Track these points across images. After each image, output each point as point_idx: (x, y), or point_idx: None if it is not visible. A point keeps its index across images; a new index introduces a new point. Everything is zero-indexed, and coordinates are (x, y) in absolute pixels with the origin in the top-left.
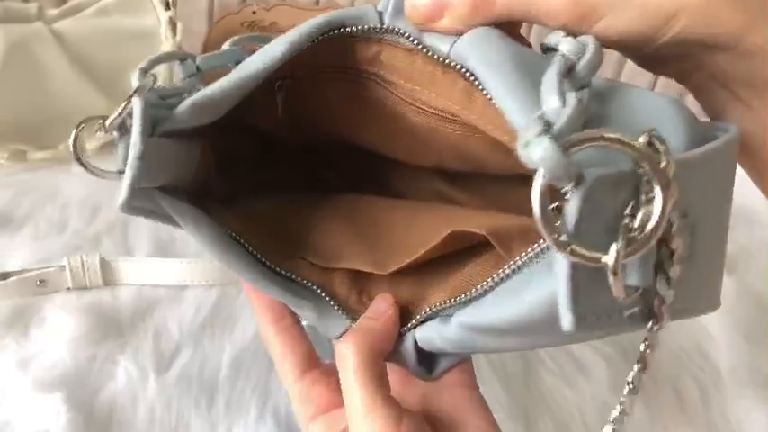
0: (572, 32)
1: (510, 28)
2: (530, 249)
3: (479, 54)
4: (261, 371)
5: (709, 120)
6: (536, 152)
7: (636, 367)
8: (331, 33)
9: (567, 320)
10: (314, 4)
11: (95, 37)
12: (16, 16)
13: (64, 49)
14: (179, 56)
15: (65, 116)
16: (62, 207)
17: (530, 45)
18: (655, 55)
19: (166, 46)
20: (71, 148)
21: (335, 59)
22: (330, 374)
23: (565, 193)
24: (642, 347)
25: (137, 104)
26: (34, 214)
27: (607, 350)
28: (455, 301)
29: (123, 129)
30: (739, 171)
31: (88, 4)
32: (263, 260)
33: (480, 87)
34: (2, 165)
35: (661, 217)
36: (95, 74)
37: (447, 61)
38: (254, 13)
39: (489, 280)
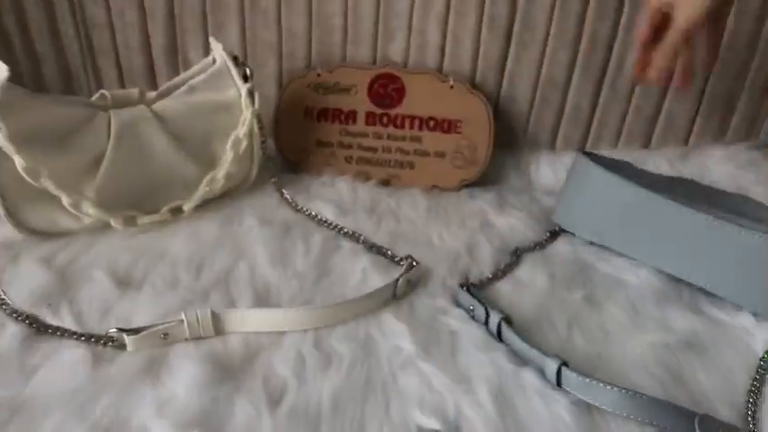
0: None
1: None
2: None
3: None
4: (356, 405)
5: None
6: None
7: None
8: None
9: None
10: (371, 63)
11: (187, 113)
12: (123, 101)
13: (162, 126)
14: None
15: (165, 184)
16: (172, 266)
17: None
18: None
19: (246, 114)
20: None
21: None
22: None
23: None
24: None
25: None
26: (150, 274)
27: (660, 374)
28: None
29: None
30: None
31: (179, 85)
32: None
33: None
34: (117, 230)
35: None
36: (188, 144)
37: None
38: (318, 75)
39: None
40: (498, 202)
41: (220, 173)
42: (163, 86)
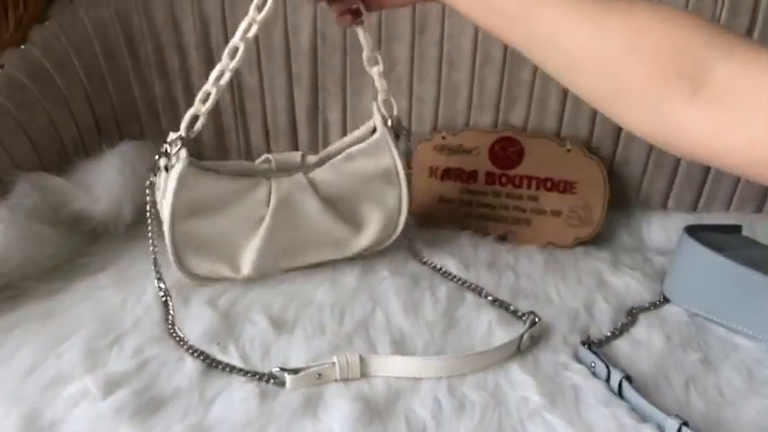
0: None
1: None
2: None
3: None
4: None
5: None
6: None
7: None
8: None
9: None
10: (493, 126)
11: (341, 180)
12: (286, 165)
13: (316, 194)
14: None
15: (315, 243)
16: (318, 311)
17: None
18: None
19: (403, 184)
20: None
21: None
22: None
23: None
24: None
25: None
26: (300, 318)
27: None
28: None
29: None
30: None
31: (338, 151)
32: None
33: None
34: (267, 276)
35: None
36: (339, 208)
37: None
38: (443, 138)
39: None
40: (612, 262)
41: (368, 237)
42: (323, 152)
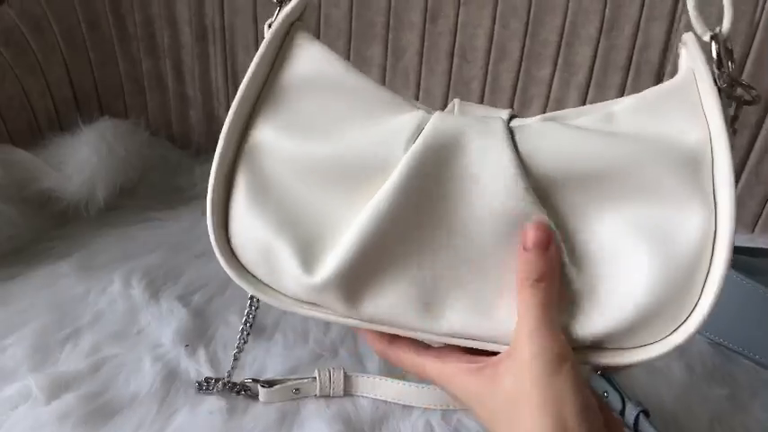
0: None
1: None
2: None
3: None
4: None
5: None
6: None
7: None
8: None
9: None
10: None
11: (582, 154)
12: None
13: (518, 162)
14: None
15: (476, 271)
16: (302, 316)
17: None
18: None
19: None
20: None
21: None
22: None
23: None
24: None
25: None
26: (281, 322)
27: None
28: None
29: None
30: None
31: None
32: None
33: None
34: None
35: None
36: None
37: None
38: None
39: None
40: None
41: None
42: (560, 112)
